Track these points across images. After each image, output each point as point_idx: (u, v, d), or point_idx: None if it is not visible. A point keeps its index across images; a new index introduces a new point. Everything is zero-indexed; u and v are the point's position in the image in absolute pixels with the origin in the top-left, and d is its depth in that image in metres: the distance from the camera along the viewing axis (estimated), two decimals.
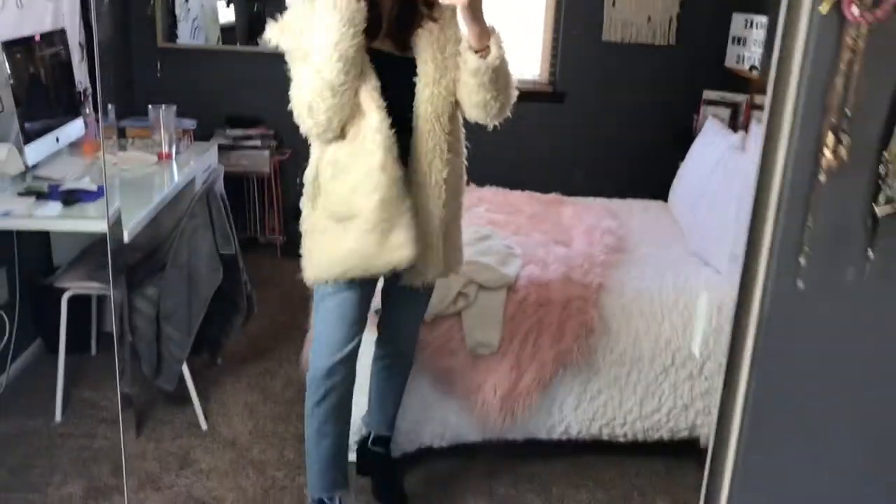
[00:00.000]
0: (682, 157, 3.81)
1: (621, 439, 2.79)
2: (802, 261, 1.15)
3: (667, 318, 2.75)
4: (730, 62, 4.11)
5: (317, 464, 2.28)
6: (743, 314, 1.11)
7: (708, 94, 4.02)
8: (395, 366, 2.52)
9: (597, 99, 4.44)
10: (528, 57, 4.52)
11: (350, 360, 2.20)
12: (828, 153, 1.15)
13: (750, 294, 1.18)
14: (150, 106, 3.22)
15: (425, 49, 1.97)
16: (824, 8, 1.10)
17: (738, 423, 1.07)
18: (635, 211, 3.77)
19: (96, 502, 2.53)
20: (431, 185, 2.03)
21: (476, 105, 2.00)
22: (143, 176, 3.14)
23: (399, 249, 1.99)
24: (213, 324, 3.00)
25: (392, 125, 1.94)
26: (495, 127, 2.12)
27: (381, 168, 1.93)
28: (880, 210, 1.19)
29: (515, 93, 2.06)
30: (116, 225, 2.19)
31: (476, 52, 1.92)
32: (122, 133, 3.41)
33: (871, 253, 1.20)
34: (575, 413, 2.74)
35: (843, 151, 1.13)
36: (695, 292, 2.82)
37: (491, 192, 3.85)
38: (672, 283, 2.89)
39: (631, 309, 2.78)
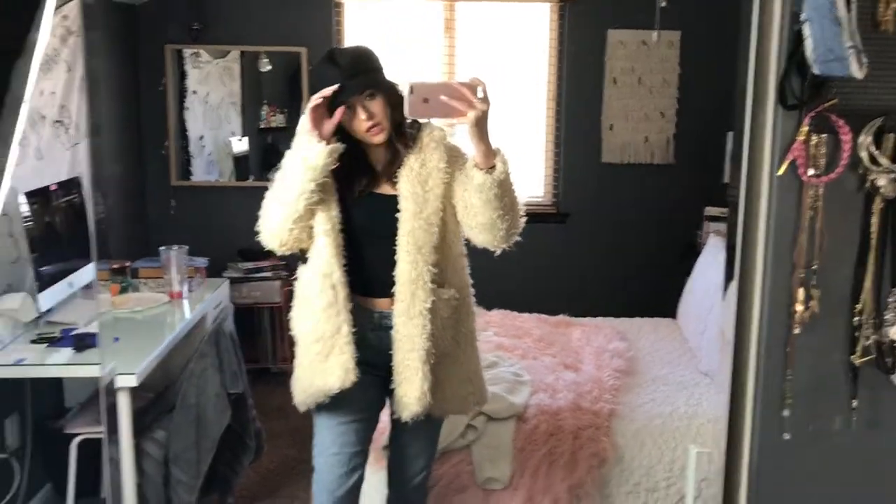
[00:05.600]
0: (689, 273, 3.83)
1: None
2: (786, 412, 1.14)
3: (680, 443, 2.71)
4: (728, 178, 4.18)
5: None
6: (733, 469, 1.10)
7: (709, 211, 4.08)
8: None
9: (600, 218, 4.52)
10: (531, 179, 4.63)
11: (349, 497, 2.16)
12: (799, 307, 1.17)
13: (738, 446, 1.17)
14: (161, 248, 3.30)
15: (405, 185, 2.04)
16: (781, 170, 1.14)
17: None
18: (645, 330, 3.76)
19: None
20: (414, 316, 2.04)
21: (483, 227, 2.01)
22: (154, 316, 3.19)
23: (332, 374, 2.04)
24: (222, 463, 2.97)
25: (380, 259, 2.04)
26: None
27: (317, 293, 2.03)
28: (857, 361, 1.19)
29: (523, 217, 2.06)
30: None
31: (481, 170, 1.94)
32: (134, 274, 3.48)
33: (855, 402, 1.20)
34: None
35: (814, 304, 1.15)
36: (707, 415, 2.78)
37: (498, 316, 3.86)
38: (684, 406, 2.86)
39: (643, 436, 2.73)
